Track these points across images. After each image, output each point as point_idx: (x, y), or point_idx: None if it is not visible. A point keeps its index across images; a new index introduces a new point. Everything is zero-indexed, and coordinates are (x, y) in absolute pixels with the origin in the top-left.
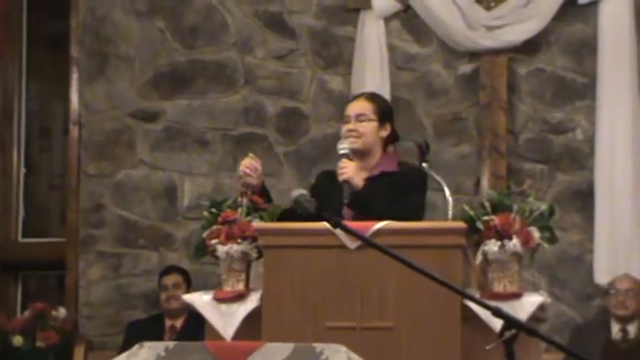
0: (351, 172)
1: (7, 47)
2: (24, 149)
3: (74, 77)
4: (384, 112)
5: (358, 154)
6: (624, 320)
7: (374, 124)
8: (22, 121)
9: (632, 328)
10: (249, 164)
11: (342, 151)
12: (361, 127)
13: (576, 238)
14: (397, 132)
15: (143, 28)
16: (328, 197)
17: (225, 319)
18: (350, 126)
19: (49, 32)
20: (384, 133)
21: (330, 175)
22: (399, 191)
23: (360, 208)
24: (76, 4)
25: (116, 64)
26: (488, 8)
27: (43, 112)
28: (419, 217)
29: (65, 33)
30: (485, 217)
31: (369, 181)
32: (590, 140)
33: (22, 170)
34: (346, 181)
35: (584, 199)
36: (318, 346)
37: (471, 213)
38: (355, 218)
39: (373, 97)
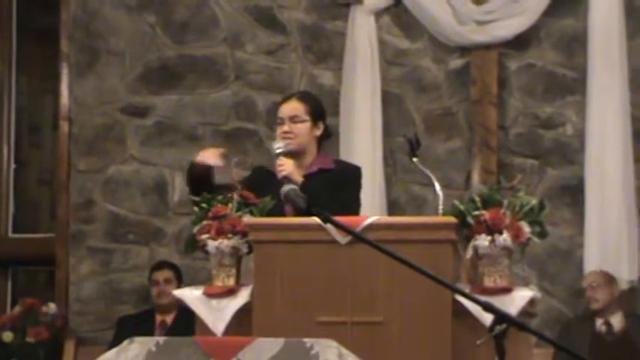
0: (290, 168)
1: None
2: (14, 144)
3: (64, 72)
4: (317, 111)
5: (294, 155)
6: (601, 313)
7: (307, 125)
8: (12, 117)
9: (615, 321)
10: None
11: (277, 151)
12: (295, 129)
13: (566, 233)
14: (330, 130)
15: (133, 23)
16: (262, 193)
17: (216, 315)
18: (285, 128)
19: (39, 27)
20: (318, 132)
21: (266, 172)
22: (337, 187)
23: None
24: None
25: (106, 59)
26: (479, 3)
27: (32, 107)
28: (356, 213)
29: (55, 28)
30: (476, 212)
31: (308, 177)
32: (580, 135)
33: (12, 165)
34: (286, 178)
35: (574, 194)
36: (309, 341)
37: (462, 208)
38: (297, 214)
39: (305, 98)
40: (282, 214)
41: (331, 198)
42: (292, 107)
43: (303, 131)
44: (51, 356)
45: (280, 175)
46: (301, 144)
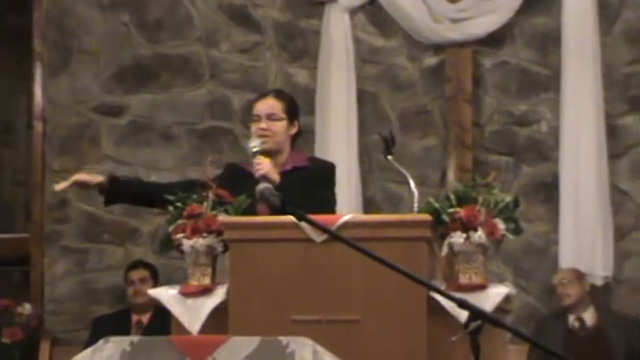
0: (267, 167)
1: None
2: None
3: (37, 72)
4: (293, 109)
5: (270, 153)
6: (573, 309)
7: (284, 123)
8: None
9: (587, 316)
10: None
11: (254, 149)
12: (273, 126)
13: (541, 230)
14: (301, 128)
15: (107, 22)
16: (235, 190)
17: (192, 314)
18: (262, 125)
19: (12, 26)
20: (293, 130)
21: (238, 169)
22: (312, 185)
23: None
24: None
25: (80, 59)
26: (453, 1)
27: (6, 107)
28: (331, 210)
29: (28, 27)
30: (451, 210)
31: (282, 176)
32: (555, 132)
33: None
34: (264, 177)
35: (548, 191)
36: (284, 339)
37: (437, 205)
38: (270, 213)
39: (281, 96)
40: (254, 213)
41: (306, 196)
42: (269, 105)
43: (280, 129)
44: (26, 357)
45: (257, 174)
46: (277, 142)
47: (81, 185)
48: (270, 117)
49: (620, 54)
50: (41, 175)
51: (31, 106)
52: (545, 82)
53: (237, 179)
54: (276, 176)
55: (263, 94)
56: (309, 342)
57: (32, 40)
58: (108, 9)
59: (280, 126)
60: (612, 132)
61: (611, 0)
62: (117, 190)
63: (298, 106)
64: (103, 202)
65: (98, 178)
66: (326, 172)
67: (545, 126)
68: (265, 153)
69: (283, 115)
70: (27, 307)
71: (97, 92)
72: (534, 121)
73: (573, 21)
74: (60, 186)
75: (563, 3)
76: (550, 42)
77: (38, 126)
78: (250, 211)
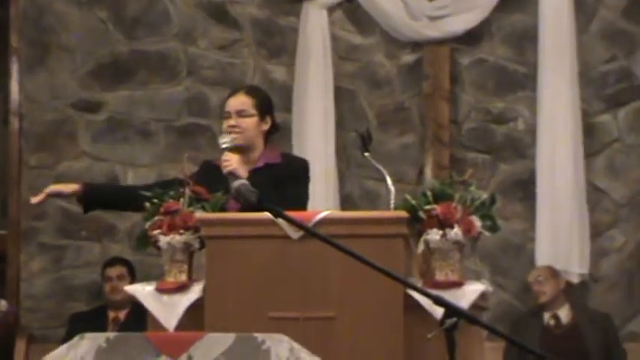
0: (235, 163)
1: None
2: None
3: (14, 67)
4: (264, 105)
5: (240, 150)
6: (549, 307)
7: (255, 119)
8: None
9: (563, 314)
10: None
11: (223, 145)
12: (242, 123)
13: (518, 227)
14: (278, 124)
15: (84, 18)
16: (210, 187)
17: (168, 310)
18: (231, 122)
19: None
20: (265, 126)
21: (214, 167)
22: (283, 181)
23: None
24: None
25: (57, 54)
26: None
27: None
28: (303, 207)
29: (5, 22)
30: (427, 207)
31: (253, 172)
32: (532, 130)
33: None
34: (231, 173)
35: (525, 188)
36: (260, 336)
37: (413, 202)
38: (242, 210)
39: (252, 92)
40: (224, 209)
41: (277, 192)
42: (239, 101)
43: (250, 125)
44: (2, 354)
45: (225, 170)
46: (248, 138)
47: (56, 196)
48: (240, 113)
49: (596, 52)
50: (18, 172)
51: (8, 101)
52: (522, 80)
53: (213, 176)
54: (244, 172)
55: (235, 91)
56: (286, 339)
57: (9, 35)
58: (85, 5)
59: (250, 122)
60: (589, 130)
61: None
62: (93, 197)
63: (272, 102)
64: (81, 210)
65: (72, 187)
66: (298, 168)
67: (522, 124)
68: (236, 149)
69: (254, 112)
70: (3, 304)
71: (74, 88)
72: (511, 119)
73: (550, 19)
74: (36, 199)
75: (540, 1)
76: (527, 40)
77: (14, 122)
78: (222, 207)
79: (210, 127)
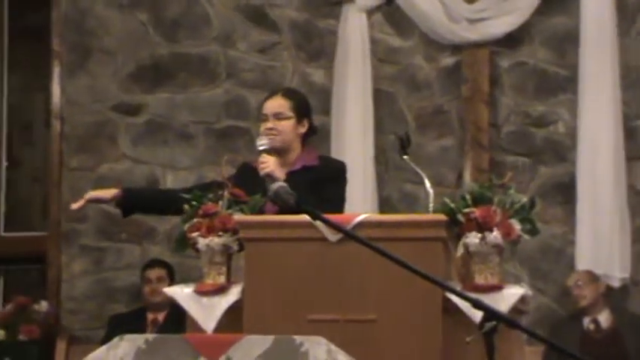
0: (272, 165)
1: None
2: (5, 143)
3: (56, 70)
4: (301, 108)
5: (278, 152)
6: (588, 311)
7: (292, 122)
8: (4, 115)
9: (603, 318)
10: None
11: (261, 147)
12: (279, 125)
13: (558, 231)
14: (315, 126)
15: (125, 21)
16: (248, 189)
17: (207, 312)
18: (268, 124)
19: (31, 25)
20: (302, 129)
21: (251, 169)
22: (320, 184)
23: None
24: None
25: (98, 57)
26: (471, 1)
27: (24, 105)
28: (340, 209)
29: (47, 26)
30: (466, 210)
31: (290, 175)
32: (572, 133)
33: (4, 164)
34: (268, 175)
35: (566, 191)
36: (299, 338)
37: (452, 205)
38: (280, 212)
39: (290, 94)
40: (262, 211)
41: (313, 195)
42: (277, 104)
43: (287, 128)
44: (43, 354)
45: (262, 172)
46: (285, 141)
47: (95, 202)
48: (277, 116)
49: (638, 55)
50: (59, 174)
51: (49, 104)
52: (562, 83)
53: (250, 178)
54: (281, 175)
55: (272, 93)
56: (324, 341)
57: (51, 39)
58: (126, 8)
59: (287, 125)
60: (630, 133)
61: (630, 1)
62: (133, 201)
63: (309, 104)
64: (121, 214)
65: (111, 192)
66: (335, 170)
67: (563, 127)
68: (272, 152)
69: (291, 114)
70: (44, 305)
71: (114, 91)
72: (552, 122)
73: (591, 21)
74: (76, 205)
75: (582, 3)
76: (568, 42)
77: (56, 124)
78: (260, 210)
79: (249, 129)
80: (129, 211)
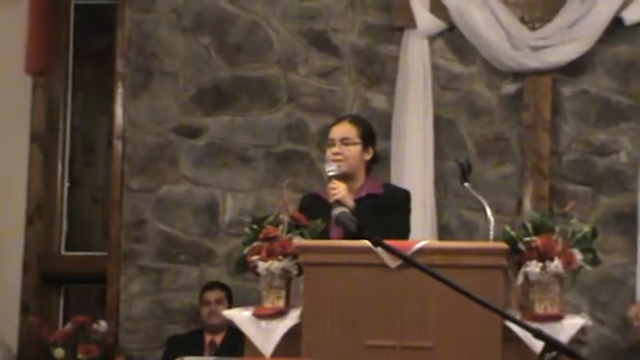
0: (343, 192)
1: (52, 62)
2: (68, 163)
3: (119, 92)
4: (368, 135)
5: (344, 178)
6: None
7: (358, 148)
8: (67, 135)
9: None
10: None
11: (330, 173)
12: (347, 151)
13: (619, 261)
14: (378, 155)
15: (188, 44)
16: (315, 218)
17: (265, 336)
18: (335, 149)
19: (95, 47)
20: (367, 156)
21: (315, 198)
22: (385, 212)
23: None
24: (122, 19)
25: (160, 80)
26: (533, 29)
27: (87, 126)
28: (405, 237)
29: (111, 48)
30: (527, 238)
31: (356, 202)
32: (635, 163)
33: (66, 184)
34: (338, 202)
35: (627, 221)
36: None
37: (513, 234)
38: (346, 238)
39: (357, 121)
40: (327, 237)
41: (380, 223)
42: (344, 129)
43: (354, 154)
44: None
45: (333, 198)
46: (351, 167)
47: None
48: (344, 141)
49: None
50: (119, 194)
51: (112, 125)
52: (625, 112)
53: (315, 207)
54: (350, 202)
55: (339, 119)
56: None
57: (115, 60)
58: (189, 32)
59: (354, 150)
60: None
61: None
62: None
63: (374, 132)
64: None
65: None
66: (401, 199)
67: (625, 156)
68: (340, 177)
69: (358, 140)
70: (102, 325)
71: (176, 113)
72: (614, 151)
73: None
74: None
75: None
76: (632, 71)
77: (118, 145)
78: (324, 235)
79: (308, 153)
80: None
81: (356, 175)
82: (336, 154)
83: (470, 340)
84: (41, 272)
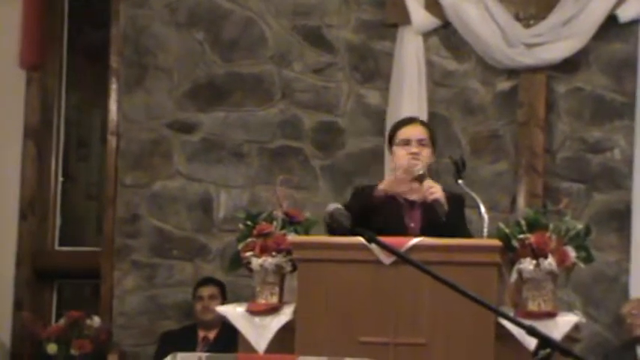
0: (440, 193)
1: (47, 57)
2: (62, 158)
3: (113, 88)
4: (435, 140)
5: (420, 178)
6: None
7: (430, 150)
8: (61, 131)
9: None
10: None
11: (420, 171)
12: (423, 151)
13: (613, 259)
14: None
15: (182, 40)
16: (374, 210)
17: (258, 332)
18: (414, 149)
19: (89, 42)
20: (433, 159)
21: (368, 188)
22: (450, 214)
23: (441, 228)
24: (117, 14)
25: (155, 75)
26: (528, 26)
27: (81, 121)
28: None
29: (105, 43)
30: (521, 236)
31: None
32: (628, 160)
33: (60, 179)
34: (436, 201)
35: (621, 219)
36: None
37: (507, 231)
38: (426, 235)
39: (427, 125)
40: (403, 225)
41: (463, 222)
42: (419, 130)
43: (428, 155)
44: None
45: (431, 197)
46: (426, 167)
47: None
48: (421, 142)
49: None
50: (113, 190)
51: (106, 121)
52: (619, 109)
53: (384, 201)
54: (445, 203)
55: (409, 120)
56: None
57: (109, 56)
58: (183, 27)
59: (428, 152)
60: None
61: None
62: None
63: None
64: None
65: None
66: (461, 200)
67: (619, 153)
68: (417, 177)
69: (429, 143)
70: (96, 320)
71: (170, 109)
72: (607, 148)
73: None
74: None
75: None
76: (626, 69)
77: (112, 141)
78: (400, 224)
79: (302, 149)
80: None
81: (427, 176)
82: (416, 153)
83: (463, 337)
84: (35, 267)
